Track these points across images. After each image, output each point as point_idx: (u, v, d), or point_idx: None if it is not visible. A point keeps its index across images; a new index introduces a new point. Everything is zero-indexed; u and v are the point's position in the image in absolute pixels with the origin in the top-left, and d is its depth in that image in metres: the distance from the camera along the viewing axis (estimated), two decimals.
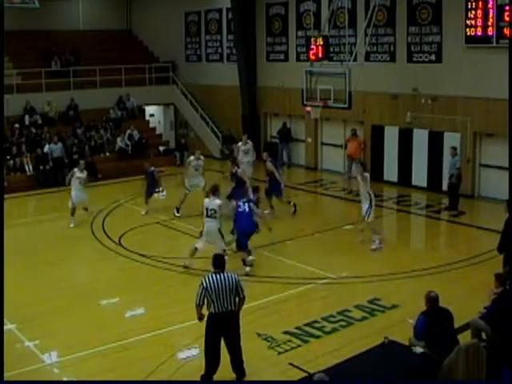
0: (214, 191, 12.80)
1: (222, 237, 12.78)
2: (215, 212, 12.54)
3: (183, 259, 13.52)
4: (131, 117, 26.21)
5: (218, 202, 12.65)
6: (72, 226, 16.18)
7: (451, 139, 18.62)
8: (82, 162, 17.44)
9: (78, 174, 16.49)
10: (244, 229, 13.06)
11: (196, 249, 12.92)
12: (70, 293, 12.12)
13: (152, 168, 17.60)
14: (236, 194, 15.57)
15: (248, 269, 12.72)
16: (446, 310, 8.32)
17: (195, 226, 14.89)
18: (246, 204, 13.15)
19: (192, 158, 17.46)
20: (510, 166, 14.01)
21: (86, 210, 16.77)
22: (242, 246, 13.00)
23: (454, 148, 17.56)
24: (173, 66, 28.30)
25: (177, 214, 16.97)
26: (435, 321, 8.12)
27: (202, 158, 17.51)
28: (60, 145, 22.34)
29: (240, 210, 13.15)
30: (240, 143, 19.24)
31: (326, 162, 23.35)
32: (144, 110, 27.56)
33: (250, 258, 12.97)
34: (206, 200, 12.82)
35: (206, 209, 12.64)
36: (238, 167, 16.96)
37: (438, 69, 19.12)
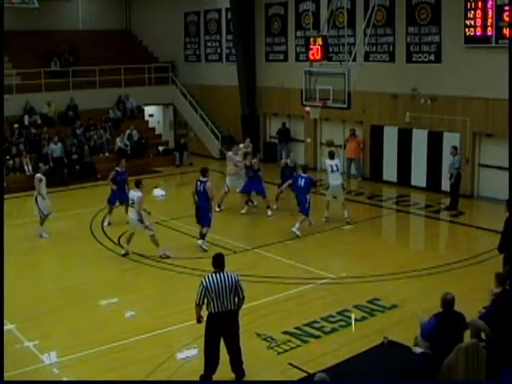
0: (137, 184, 13.90)
1: (142, 223, 13.72)
2: (133, 202, 13.69)
3: (183, 259, 13.59)
4: (130, 117, 26.22)
5: (138, 193, 13.73)
6: (47, 235, 15.50)
7: (450, 139, 18.62)
8: (41, 165, 16.72)
9: (44, 178, 15.65)
10: (201, 205, 14.16)
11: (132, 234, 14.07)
12: (70, 293, 12.12)
13: (124, 169, 16.57)
14: (252, 183, 17.30)
15: (200, 241, 14.25)
16: (459, 315, 8.10)
17: (194, 226, 14.88)
18: (203, 184, 14.04)
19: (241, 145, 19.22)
20: (509, 166, 14.02)
21: (48, 215, 15.76)
22: (202, 222, 14.24)
23: (455, 147, 17.54)
24: (172, 66, 28.29)
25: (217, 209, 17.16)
26: (446, 324, 7.92)
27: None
28: (60, 145, 22.35)
29: (198, 188, 14.15)
30: (242, 145, 19.61)
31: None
32: (143, 110, 27.56)
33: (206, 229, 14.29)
34: (131, 191, 14.08)
35: (131, 199, 13.89)
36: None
37: (438, 69, 19.12)
